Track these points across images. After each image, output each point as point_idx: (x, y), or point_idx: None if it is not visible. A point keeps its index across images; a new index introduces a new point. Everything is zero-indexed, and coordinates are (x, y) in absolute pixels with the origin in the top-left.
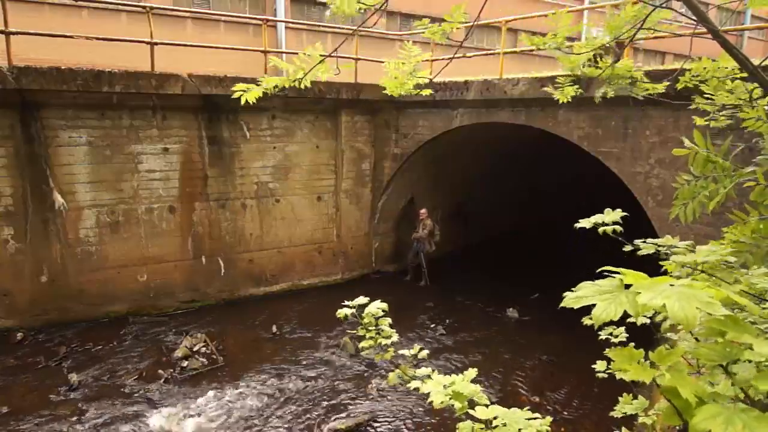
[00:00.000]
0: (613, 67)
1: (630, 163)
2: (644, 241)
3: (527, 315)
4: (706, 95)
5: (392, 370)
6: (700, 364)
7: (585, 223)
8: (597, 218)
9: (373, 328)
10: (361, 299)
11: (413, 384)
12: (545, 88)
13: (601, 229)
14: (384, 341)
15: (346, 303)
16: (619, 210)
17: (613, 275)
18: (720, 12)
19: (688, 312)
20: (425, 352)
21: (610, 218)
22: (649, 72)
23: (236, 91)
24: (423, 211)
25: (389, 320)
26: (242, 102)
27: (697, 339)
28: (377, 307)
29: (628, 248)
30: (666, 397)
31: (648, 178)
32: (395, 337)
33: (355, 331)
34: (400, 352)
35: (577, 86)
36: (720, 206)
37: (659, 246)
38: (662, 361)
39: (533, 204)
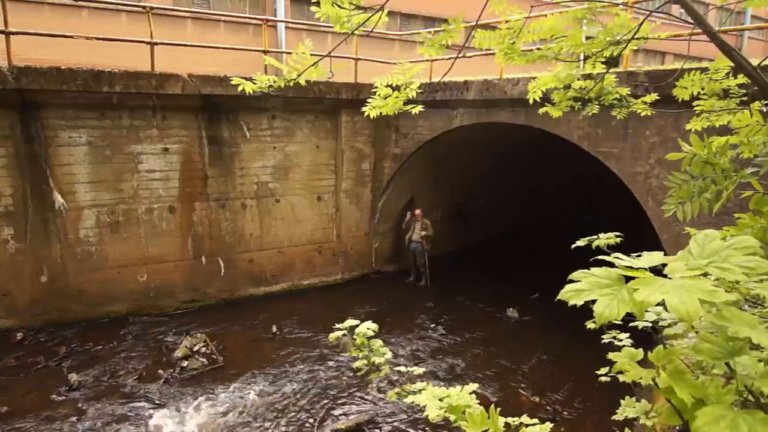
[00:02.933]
0: (602, 82)
1: (630, 163)
2: (639, 255)
3: (527, 315)
4: (700, 107)
5: (391, 378)
6: (701, 364)
7: (581, 242)
8: (592, 239)
9: (366, 348)
10: (350, 321)
11: (410, 398)
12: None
13: (594, 244)
14: (377, 360)
15: (338, 326)
16: (612, 233)
17: (608, 266)
18: (720, 12)
19: (688, 305)
20: (421, 370)
21: (605, 237)
22: (649, 72)
23: (238, 84)
24: (418, 212)
25: (380, 342)
26: (241, 90)
27: (696, 332)
28: (368, 327)
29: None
30: (666, 397)
31: (648, 178)
32: (389, 355)
33: (348, 353)
34: (396, 368)
35: (573, 101)
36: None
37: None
38: (661, 360)
39: (533, 204)
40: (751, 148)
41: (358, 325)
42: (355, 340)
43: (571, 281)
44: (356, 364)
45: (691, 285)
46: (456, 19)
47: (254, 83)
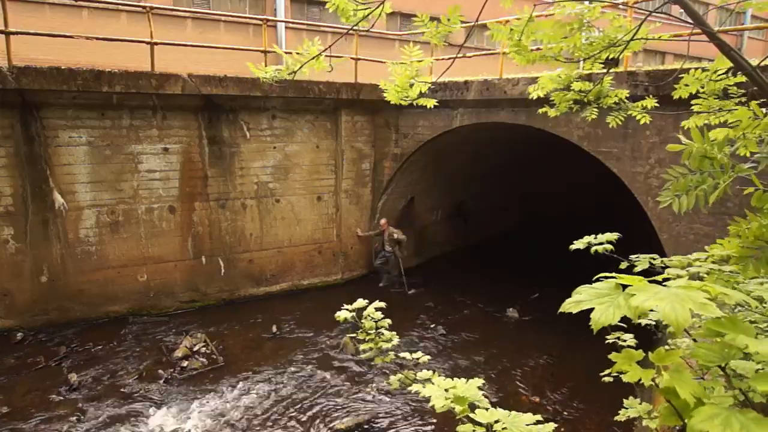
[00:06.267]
0: (601, 84)
1: (630, 163)
2: (638, 257)
3: (527, 315)
4: (699, 106)
5: (393, 372)
6: (701, 366)
7: (579, 244)
8: (590, 238)
9: (373, 331)
10: (360, 302)
11: (415, 387)
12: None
13: (593, 249)
14: (384, 344)
15: (345, 307)
16: (610, 234)
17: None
18: (720, 12)
19: (679, 314)
20: (426, 357)
21: (604, 238)
22: (649, 72)
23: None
24: (383, 221)
25: (389, 321)
26: (259, 77)
27: (695, 340)
28: (375, 308)
29: (624, 265)
30: (665, 397)
31: (648, 178)
32: (396, 341)
33: (355, 335)
34: (401, 354)
35: (572, 102)
36: (720, 206)
37: (653, 260)
38: (661, 361)
39: (533, 204)
40: (748, 143)
41: (366, 307)
42: (363, 322)
43: (575, 295)
44: (362, 347)
45: (685, 295)
46: (455, 8)
47: (261, 74)
